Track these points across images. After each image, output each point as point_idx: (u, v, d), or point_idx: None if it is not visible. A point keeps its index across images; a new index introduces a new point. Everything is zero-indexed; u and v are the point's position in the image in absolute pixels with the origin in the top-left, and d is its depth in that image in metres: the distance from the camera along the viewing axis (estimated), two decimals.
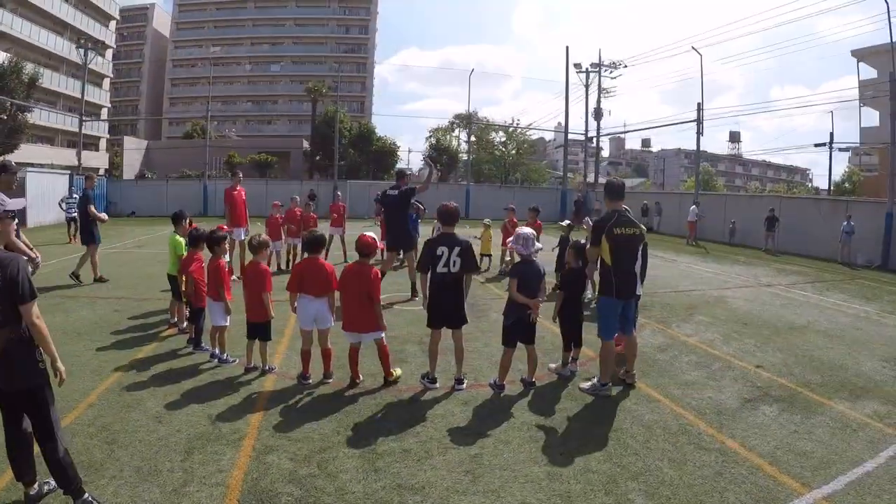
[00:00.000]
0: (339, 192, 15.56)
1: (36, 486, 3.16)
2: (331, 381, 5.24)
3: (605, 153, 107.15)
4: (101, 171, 41.52)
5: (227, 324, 5.77)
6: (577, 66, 32.89)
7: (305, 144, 51.27)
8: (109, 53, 49.83)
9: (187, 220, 7.12)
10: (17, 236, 5.80)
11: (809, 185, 74.52)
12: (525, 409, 4.77)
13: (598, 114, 32.49)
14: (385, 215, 8.52)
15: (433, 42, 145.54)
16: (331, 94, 45.89)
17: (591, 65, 32.86)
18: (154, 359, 5.91)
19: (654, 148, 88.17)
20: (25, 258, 5.66)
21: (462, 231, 5.69)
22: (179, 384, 5.15)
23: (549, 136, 66.78)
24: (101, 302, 8.60)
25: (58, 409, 3.14)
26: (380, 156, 49.23)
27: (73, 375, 5.09)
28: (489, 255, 12.79)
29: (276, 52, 66.85)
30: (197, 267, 6.04)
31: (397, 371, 5.34)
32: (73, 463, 3.10)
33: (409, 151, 58.53)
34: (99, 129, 46.43)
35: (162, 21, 68.06)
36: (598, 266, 5.23)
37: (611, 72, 32.95)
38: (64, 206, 17.88)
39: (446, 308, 5.05)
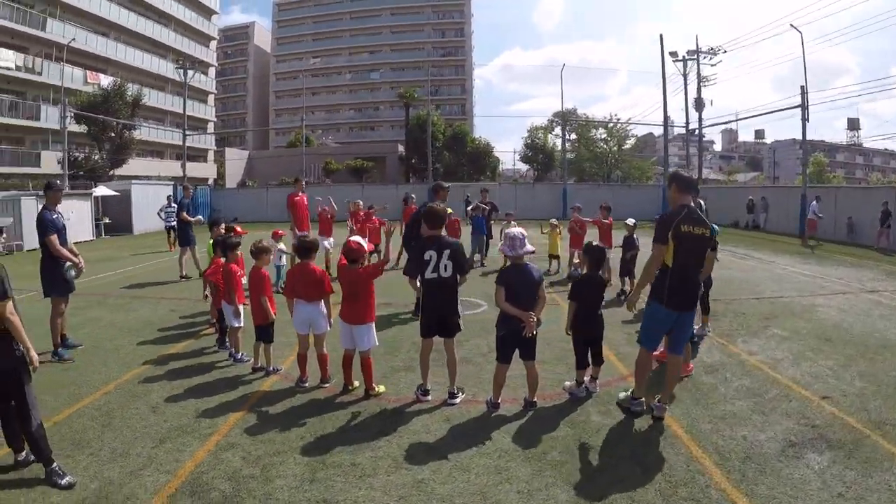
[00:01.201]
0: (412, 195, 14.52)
1: (24, 453, 3.68)
2: (328, 385, 5.13)
3: (717, 146, 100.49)
4: (210, 181, 45.12)
5: (240, 324, 5.85)
6: (673, 54, 30.77)
7: (401, 149, 52.47)
8: (212, 71, 53.47)
9: (221, 226, 7.52)
10: (64, 244, 6.40)
11: None
12: (509, 434, 4.20)
13: (698, 104, 30.18)
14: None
15: (535, 41, 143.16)
16: (423, 98, 46.45)
17: (688, 52, 30.65)
18: (180, 355, 6.21)
19: (768, 139, 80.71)
20: (69, 263, 6.31)
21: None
22: (189, 379, 5.40)
23: (658, 130, 63.12)
24: (164, 302, 9.17)
25: (34, 390, 3.58)
26: (475, 157, 49.17)
27: (107, 366, 5.87)
28: (557, 257, 12.06)
29: (375, 59, 69.01)
30: (213, 270, 6.24)
31: (380, 388, 5.02)
32: (45, 436, 3.57)
33: (514, 152, 57.42)
34: (206, 142, 49.87)
35: (263, 37, 72.59)
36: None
37: (709, 58, 30.51)
38: (163, 215, 17.89)
39: (439, 315, 4.69)
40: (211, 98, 52.60)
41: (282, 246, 9.42)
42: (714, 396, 4.93)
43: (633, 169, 51.88)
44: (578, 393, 4.88)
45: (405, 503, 3.29)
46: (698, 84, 30.66)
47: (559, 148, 47.53)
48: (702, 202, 8.77)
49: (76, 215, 19.56)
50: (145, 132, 37.43)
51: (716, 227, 6.80)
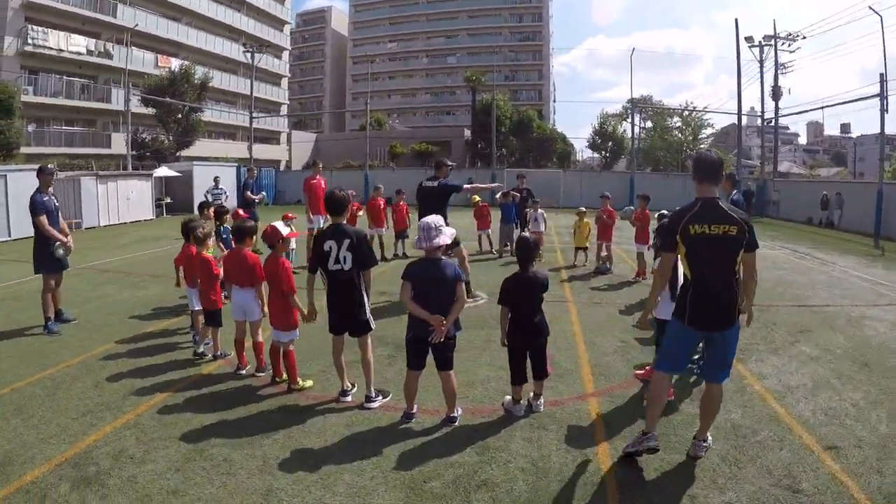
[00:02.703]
0: (379, 186, 12.43)
1: None
2: (263, 374, 4.99)
3: (802, 139, 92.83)
4: (283, 163, 46.54)
5: (199, 307, 5.75)
6: (749, 39, 28.29)
7: (467, 133, 51.87)
8: (286, 55, 54.78)
9: (210, 209, 7.58)
10: (55, 224, 6.71)
11: None
12: (403, 451, 3.71)
13: (775, 93, 27.43)
14: (420, 208, 7.80)
15: (620, 29, 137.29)
16: (489, 83, 45.47)
17: (765, 37, 27.87)
18: (153, 334, 6.38)
19: (855, 133, 73.53)
20: (58, 243, 6.58)
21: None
22: (144, 358, 5.53)
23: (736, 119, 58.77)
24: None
25: None
26: (541, 143, 47.83)
27: (85, 341, 6.15)
28: (584, 249, 11.15)
29: (452, 44, 68.64)
30: (181, 257, 6.10)
31: (306, 383, 4.76)
32: None
33: (591, 140, 54.96)
34: (279, 124, 51.27)
35: (340, 21, 73.96)
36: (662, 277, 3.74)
37: (787, 44, 27.70)
38: (209, 197, 15.38)
39: (343, 312, 4.32)
40: (284, 81, 53.98)
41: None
42: (684, 434, 3.91)
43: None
44: (516, 411, 4.25)
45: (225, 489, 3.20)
46: (775, 71, 27.98)
47: (626, 135, 45.44)
48: (739, 195, 7.78)
49: (136, 195, 20.57)
50: (216, 114, 39.09)
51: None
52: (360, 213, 10.86)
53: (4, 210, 15.20)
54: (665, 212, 7.66)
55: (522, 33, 67.52)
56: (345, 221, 4.39)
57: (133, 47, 33.60)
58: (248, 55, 32.41)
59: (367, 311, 4.35)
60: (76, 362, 5.40)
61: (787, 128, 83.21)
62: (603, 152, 52.67)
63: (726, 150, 51.51)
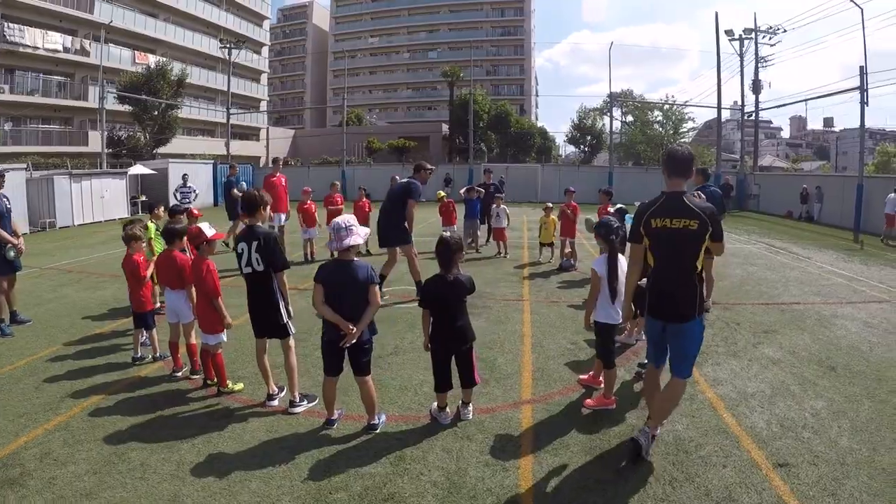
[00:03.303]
0: (336, 182, 12.62)
1: None
2: (196, 377, 5.01)
3: (785, 133, 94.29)
4: (262, 160, 46.09)
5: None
6: (729, 32, 28.51)
7: (445, 129, 51.76)
8: (265, 51, 54.47)
9: (160, 209, 7.77)
10: (6, 227, 6.81)
11: None
12: (312, 461, 3.62)
13: (755, 86, 27.63)
14: (382, 205, 7.83)
15: (605, 24, 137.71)
16: (468, 79, 45.37)
17: (745, 30, 28.22)
18: (102, 336, 6.43)
19: (838, 128, 74.64)
20: (9, 245, 6.68)
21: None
22: (87, 360, 5.59)
23: (723, 115, 59.14)
24: None
25: None
26: (519, 138, 47.87)
27: (33, 342, 6.18)
28: (550, 245, 10.92)
29: (433, 39, 68.36)
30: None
31: (237, 385, 4.78)
32: None
33: (570, 135, 54.94)
34: (259, 121, 50.91)
35: (321, 16, 73.36)
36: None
37: (768, 38, 27.97)
38: (178, 196, 16.10)
39: (258, 315, 4.32)
40: (264, 77, 53.69)
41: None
42: (616, 451, 3.69)
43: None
44: (442, 419, 4.11)
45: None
46: (756, 65, 28.36)
47: (603, 129, 45.60)
48: (716, 188, 7.75)
49: (111, 193, 20.34)
50: (195, 111, 38.76)
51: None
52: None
53: None
54: (622, 206, 7.71)
55: (504, 28, 67.34)
56: (260, 223, 4.34)
57: (110, 44, 33.21)
58: (224, 51, 32.00)
59: (285, 316, 4.29)
60: (23, 364, 5.47)
61: (770, 122, 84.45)
62: (582, 146, 52.82)
63: (709, 145, 51.97)
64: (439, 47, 67.99)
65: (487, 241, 12.58)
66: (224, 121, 34.10)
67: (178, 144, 35.45)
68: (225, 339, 4.70)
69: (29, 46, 29.55)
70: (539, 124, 61.07)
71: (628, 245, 3.79)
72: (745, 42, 28.62)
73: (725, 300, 7.91)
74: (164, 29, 39.27)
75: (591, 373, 4.83)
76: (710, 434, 3.92)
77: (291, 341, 4.40)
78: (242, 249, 4.18)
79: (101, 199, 19.97)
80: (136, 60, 35.30)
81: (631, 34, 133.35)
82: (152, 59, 34.32)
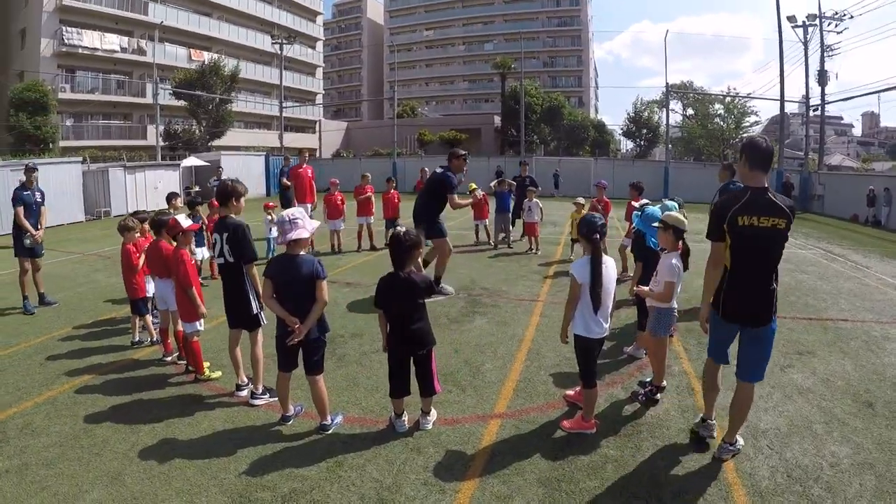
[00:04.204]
0: (367, 174, 12.57)
1: None
2: (183, 362, 5.15)
3: (857, 131, 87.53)
4: (317, 152, 47.20)
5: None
6: (791, 19, 26.52)
7: (497, 121, 51.31)
8: (319, 45, 55.87)
9: (178, 199, 7.91)
10: (31, 217, 7.41)
11: None
12: (249, 461, 3.53)
13: (821, 77, 25.58)
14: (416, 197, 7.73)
15: (667, 14, 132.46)
16: (518, 70, 44.63)
17: (808, 16, 26.14)
18: (114, 320, 6.76)
19: None
20: (28, 234, 7.27)
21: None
22: (92, 342, 5.91)
23: (792, 108, 55.72)
24: None
25: None
26: (572, 130, 46.80)
27: (51, 324, 6.55)
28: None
29: (489, 31, 67.85)
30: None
31: (215, 374, 4.87)
32: None
33: (626, 128, 53.40)
34: (314, 113, 52.44)
35: (376, 11, 74.21)
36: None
37: (835, 24, 25.73)
38: (212, 187, 16.50)
39: (229, 305, 4.37)
40: (319, 71, 55.06)
41: (272, 217, 9.77)
42: (582, 481, 3.26)
43: None
44: (398, 427, 3.90)
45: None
46: (821, 54, 26.21)
47: (672, 123, 43.69)
48: (737, 187, 7.18)
49: (164, 184, 21.26)
50: (250, 105, 40.06)
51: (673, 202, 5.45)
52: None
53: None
54: (647, 201, 7.21)
55: (560, 18, 65.95)
56: (234, 214, 4.33)
57: (166, 43, 35.06)
58: (276, 47, 33.03)
59: (255, 307, 4.29)
60: (38, 342, 5.90)
61: (841, 118, 78.45)
62: (638, 140, 51.03)
63: (776, 141, 49.08)
64: (495, 39, 67.33)
65: (522, 236, 12.28)
66: (278, 114, 35.24)
67: (234, 137, 36.90)
68: (200, 327, 4.79)
69: (87, 48, 31.73)
70: (598, 118, 59.64)
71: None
72: (810, 29, 26.65)
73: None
74: (217, 27, 41.04)
75: (578, 389, 4.27)
76: (698, 479, 3.30)
77: (260, 334, 4.41)
78: (216, 240, 4.25)
79: (154, 189, 20.97)
80: (192, 58, 37.09)
81: (693, 23, 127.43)
82: (207, 56, 35.87)
